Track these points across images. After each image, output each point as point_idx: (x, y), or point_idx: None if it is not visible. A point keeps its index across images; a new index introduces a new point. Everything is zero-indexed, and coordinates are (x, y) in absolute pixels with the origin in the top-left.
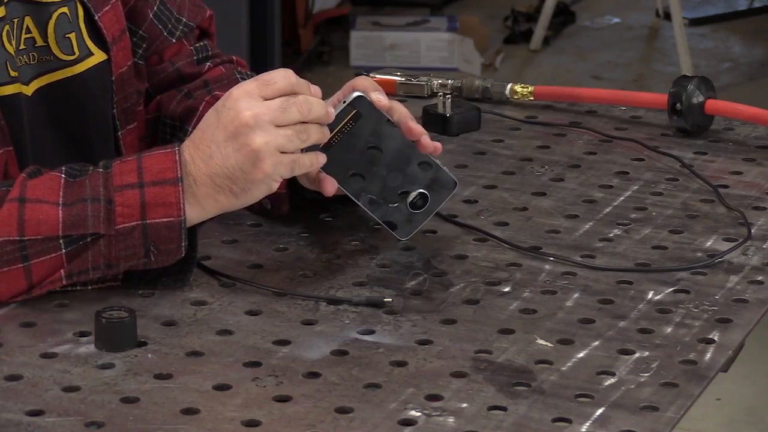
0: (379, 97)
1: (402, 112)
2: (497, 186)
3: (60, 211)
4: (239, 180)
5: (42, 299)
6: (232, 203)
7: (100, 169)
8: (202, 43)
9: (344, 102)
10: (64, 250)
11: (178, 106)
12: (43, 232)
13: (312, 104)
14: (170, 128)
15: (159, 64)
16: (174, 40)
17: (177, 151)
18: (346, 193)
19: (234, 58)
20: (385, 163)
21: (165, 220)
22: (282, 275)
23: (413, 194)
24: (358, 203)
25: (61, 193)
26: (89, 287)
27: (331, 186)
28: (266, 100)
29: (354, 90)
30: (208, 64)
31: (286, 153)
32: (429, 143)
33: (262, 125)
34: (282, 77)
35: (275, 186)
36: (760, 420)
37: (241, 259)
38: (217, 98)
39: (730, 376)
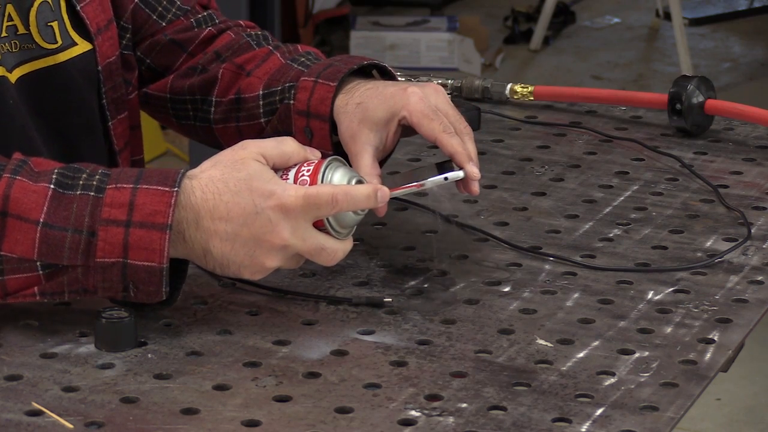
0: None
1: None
2: (497, 186)
3: (38, 234)
4: (229, 271)
5: None
6: (207, 268)
7: (92, 192)
8: (206, 13)
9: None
10: (41, 272)
11: (196, 80)
12: (18, 252)
13: (338, 254)
14: (191, 103)
15: (152, 38)
16: (164, 24)
17: (174, 194)
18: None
19: (242, 22)
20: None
21: (146, 264)
22: (282, 275)
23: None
24: None
25: (44, 209)
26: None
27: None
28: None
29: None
30: (209, 28)
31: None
32: (473, 189)
33: (287, 255)
34: (329, 204)
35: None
36: (760, 420)
37: None
38: (235, 64)
39: (730, 376)
